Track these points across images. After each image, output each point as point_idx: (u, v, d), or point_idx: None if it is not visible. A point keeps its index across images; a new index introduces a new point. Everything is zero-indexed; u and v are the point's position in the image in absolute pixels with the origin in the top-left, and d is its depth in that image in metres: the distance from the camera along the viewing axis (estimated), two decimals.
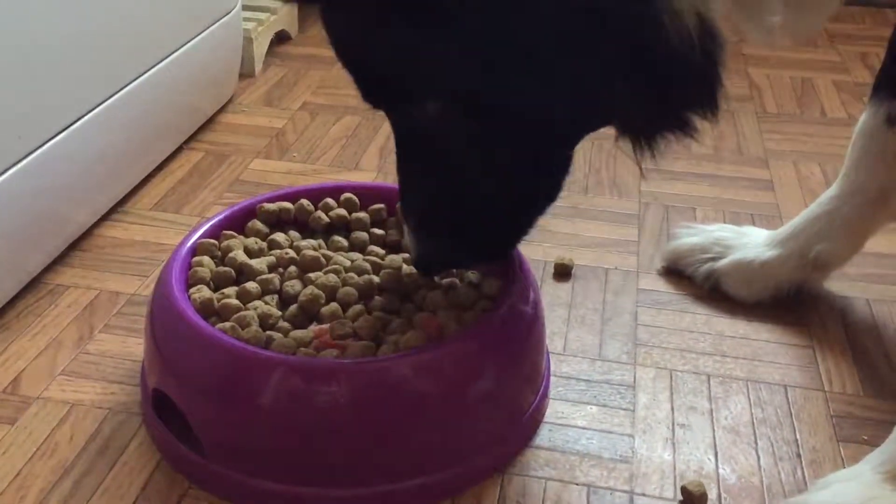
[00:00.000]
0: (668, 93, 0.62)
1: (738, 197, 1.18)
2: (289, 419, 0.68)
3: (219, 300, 0.77)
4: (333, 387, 0.68)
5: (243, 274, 0.81)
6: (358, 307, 0.77)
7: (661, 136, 0.65)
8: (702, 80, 0.61)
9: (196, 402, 0.71)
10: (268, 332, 0.74)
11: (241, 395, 0.69)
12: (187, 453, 0.72)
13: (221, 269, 0.81)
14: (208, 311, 0.76)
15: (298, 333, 0.74)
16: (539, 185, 0.71)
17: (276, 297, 0.80)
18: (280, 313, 0.77)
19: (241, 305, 0.77)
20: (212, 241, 0.84)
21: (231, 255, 0.82)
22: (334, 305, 0.77)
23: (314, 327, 0.76)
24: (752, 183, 1.21)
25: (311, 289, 0.78)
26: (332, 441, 0.69)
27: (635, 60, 0.59)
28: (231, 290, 0.79)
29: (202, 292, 0.77)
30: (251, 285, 0.79)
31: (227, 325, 0.74)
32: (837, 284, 0.98)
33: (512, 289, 0.77)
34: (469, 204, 0.70)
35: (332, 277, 0.80)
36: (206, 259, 0.82)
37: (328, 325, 0.75)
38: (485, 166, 0.67)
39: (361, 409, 0.68)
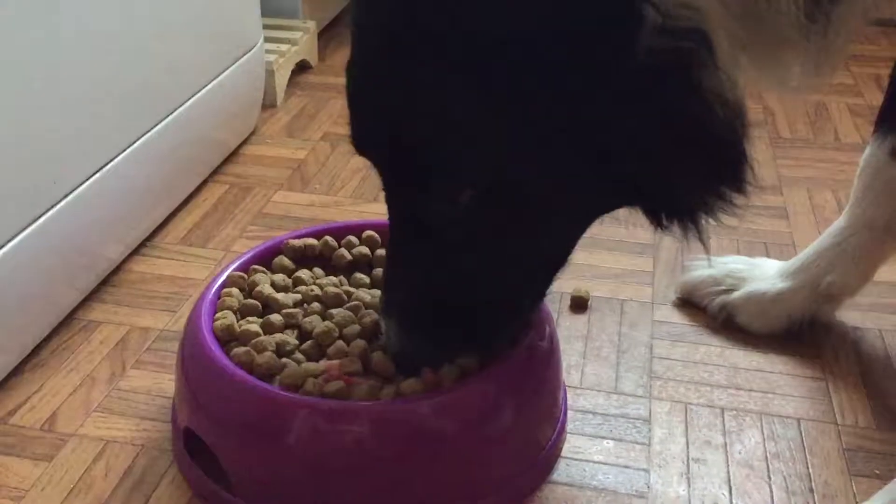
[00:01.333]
0: (700, 171, 0.63)
1: (753, 225, 1.19)
2: (315, 459, 0.71)
3: (240, 325, 0.80)
4: (357, 427, 0.70)
5: (269, 307, 0.84)
6: (362, 343, 0.79)
7: (697, 215, 0.66)
8: (729, 157, 0.62)
9: (226, 443, 0.74)
10: (283, 360, 0.77)
11: (270, 437, 0.71)
12: (217, 490, 0.75)
13: (249, 301, 0.84)
14: (229, 336, 0.78)
15: (310, 366, 0.77)
16: (557, 264, 0.72)
17: (296, 331, 0.82)
18: (297, 342, 0.80)
19: (260, 332, 0.80)
20: (241, 273, 0.87)
21: (258, 288, 0.85)
22: (340, 343, 0.79)
23: (325, 362, 0.78)
24: (766, 210, 1.23)
25: (326, 323, 0.81)
26: (357, 480, 0.71)
27: (674, 139, 0.60)
28: (255, 320, 0.82)
29: (225, 318, 0.80)
30: (275, 317, 0.82)
31: (242, 349, 0.77)
32: (850, 315, 1.00)
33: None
34: (483, 295, 0.69)
35: (349, 314, 0.82)
36: (234, 290, 0.85)
37: (339, 360, 0.77)
38: (506, 254, 0.67)
39: (385, 449, 0.71)
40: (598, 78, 0.58)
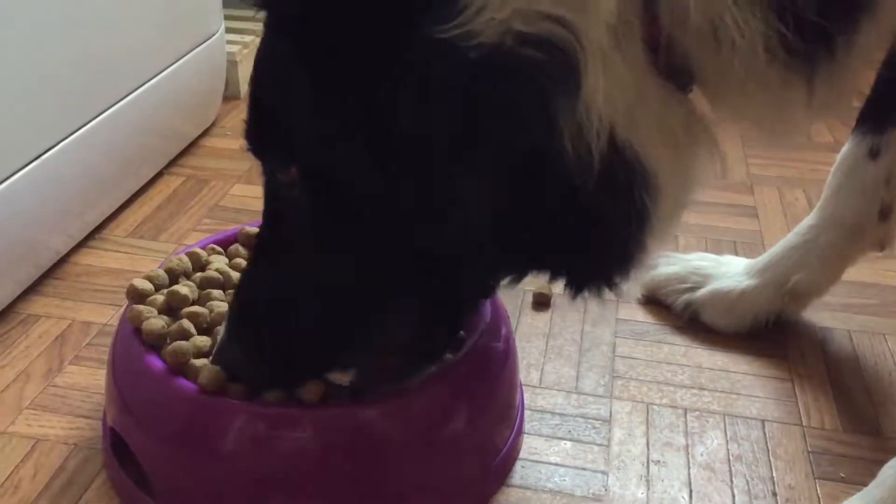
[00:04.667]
0: (558, 239, 0.53)
1: (721, 224, 1.17)
2: (252, 468, 0.66)
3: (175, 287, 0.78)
4: (299, 433, 0.66)
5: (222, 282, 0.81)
6: None
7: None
8: (601, 230, 0.53)
9: (152, 448, 0.70)
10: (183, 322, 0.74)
11: (202, 444, 0.67)
12: (141, 495, 0.70)
13: (209, 272, 0.81)
14: (156, 341, 0.73)
15: (206, 340, 0.73)
16: (378, 315, 0.64)
17: None
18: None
19: (189, 297, 0.77)
20: (198, 250, 0.84)
21: (213, 264, 0.82)
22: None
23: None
24: (736, 209, 1.21)
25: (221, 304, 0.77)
26: (299, 491, 0.67)
27: (514, 180, 0.51)
28: (191, 284, 0.79)
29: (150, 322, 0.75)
30: (217, 292, 0.79)
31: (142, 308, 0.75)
32: (818, 315, 0.97)
33: (482, 325, 0.76)
34: (304, 309, 0.63)
35: None
36: (185, 257, 0.82)
37: None
38: (340, 277, 0.60)
39: (330, 457, 0.66)
40: (391, 60, 0.50)
